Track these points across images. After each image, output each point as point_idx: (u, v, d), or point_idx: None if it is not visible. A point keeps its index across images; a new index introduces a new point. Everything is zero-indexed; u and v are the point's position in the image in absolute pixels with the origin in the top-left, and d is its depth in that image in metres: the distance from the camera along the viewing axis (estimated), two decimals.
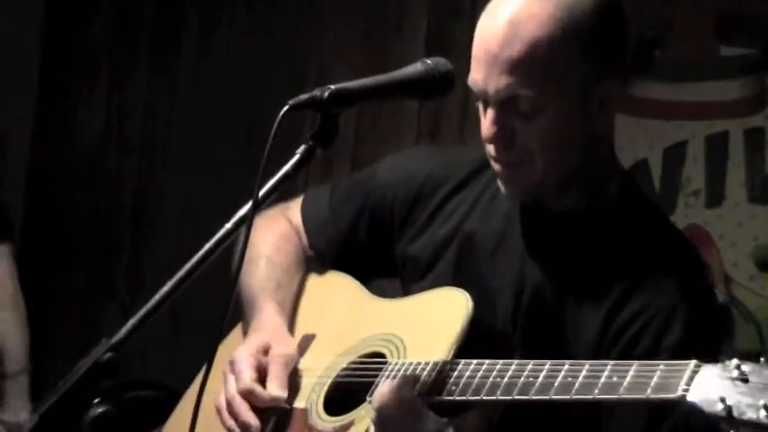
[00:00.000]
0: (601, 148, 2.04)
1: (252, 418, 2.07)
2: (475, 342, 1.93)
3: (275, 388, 2.09)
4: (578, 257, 2.01)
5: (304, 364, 2.17)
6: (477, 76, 1.97)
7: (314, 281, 2.33)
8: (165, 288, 1.74)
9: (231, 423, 2.09)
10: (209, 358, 1.80)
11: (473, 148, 2.21)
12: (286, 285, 2.29)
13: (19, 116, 4.85)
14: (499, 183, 2.06)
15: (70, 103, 5.01)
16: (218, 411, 2.11)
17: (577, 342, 1.93)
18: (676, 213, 3.68)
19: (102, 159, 4.95)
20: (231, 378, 2.11)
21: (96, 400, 1.88)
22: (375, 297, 2.21)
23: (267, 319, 2.21)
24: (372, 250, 2.28)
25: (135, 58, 4.92)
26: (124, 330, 1.68)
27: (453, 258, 2.13)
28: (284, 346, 2.17)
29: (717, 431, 1.57)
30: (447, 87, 1.96)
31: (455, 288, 2.03)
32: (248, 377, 2.09)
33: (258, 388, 2.09)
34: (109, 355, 1.64)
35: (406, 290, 2.21)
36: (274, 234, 2.35)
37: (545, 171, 1.98)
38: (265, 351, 2.14)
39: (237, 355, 2.13)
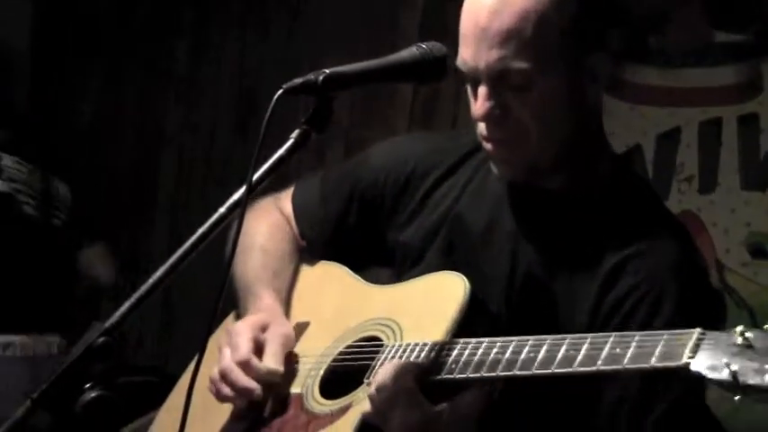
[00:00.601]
0: (591, 123, 2.05)
1: (251, 383, 2.07)
2: (471, 325, 1.92)
3: (272, 361, 2.09)
4: (570, 237, 2.01)
5: (299, 350, 2.17)
6: (467, 53, 1.97)
7: (306, 271, 2.32)
8: (158, 273, 1.73)
9: (227, 391, 2.09)
10: (200, 346, 1.80)
11: (463, 134, 2.20)
12: (281, 273, 2.28)
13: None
14: (491, 164, 2.06)
15: (64, 90, 5.00)
16: (213, 383, 2.11)
17: (572, 321, 1.93)
18: (670, 199, 3.68)
19: (97, 147, 4.94)
20: (227, 350, 2.11)
21: (90, 385, 1.88)
22: (368, 284, 2.21)
23: (265, 304, 2.21)
24: (363, 237, 2.27)
25: (131, 47, 4.91)
26: (117, 314, 1.68)
27: (444, 245, 2.13)
28: (283, 326, 2.17)
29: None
30: (442, 71, 1.94)
31: (451, 272, 2.02)
32: (246, 348, 2.09)
33: (255, 359, 2.09)
34: (102, 339, 1.63)
35: (398, 277, 2.20)
36: (267, 223, 2.35)
37: (539, 147, 1.98)
38: (263, 328, 2.14)
39: (235, 329, 2.13)
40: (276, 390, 2.11)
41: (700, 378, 1.57)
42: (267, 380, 2.08)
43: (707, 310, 1.67)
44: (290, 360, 2.15)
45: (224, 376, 2.10)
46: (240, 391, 2.08)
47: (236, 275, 2.27)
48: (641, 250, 1.95)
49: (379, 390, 1.86)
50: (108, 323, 1.66)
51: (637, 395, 1.87)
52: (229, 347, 2.11)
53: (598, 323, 1.91)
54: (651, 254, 1.95)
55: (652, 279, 1.92)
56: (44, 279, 3.60)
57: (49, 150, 3.95)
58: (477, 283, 1.99)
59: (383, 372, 1.88)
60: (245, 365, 2.08)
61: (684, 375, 1.59)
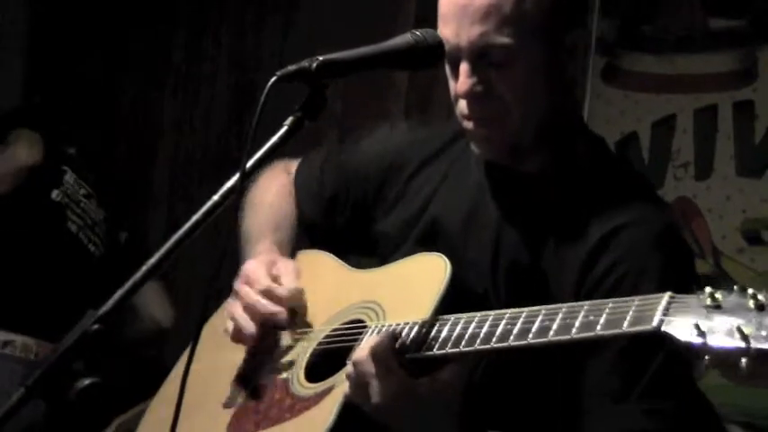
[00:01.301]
0: (568, 100, 2.07)
1: (277, 307, 2.12)
2: (453, 305, 1.93)
3: (292, 283, 2.14)
4: (553, 218, 2.02)
5: (286, 337, 2.18)
6: (448, 31, 1.98)
7: (297, 258, 2.33)
8: (152, 260, 1.73)
9: (249, 324, 2.12)
10: (195, 332, 1.80)
11: (445, 123, 2.22)
12: (283, 228, 2.32)
13: None
14: (472, 144, 2.07)
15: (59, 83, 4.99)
16: (234, 319, 2.14)
17: (559, 301, 1.94)
18: (665, 186, 3.68)
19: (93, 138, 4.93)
20: (245, 287, 2.15)
21: (84, 372, 1.88)
22: (353, 269, 2.22)
23: (266, 250, 2.25)
24: (352, 226, 2.29)
25: (127, 32, 4.91)
26: (111, 302, 1.68)
27: (424, 234, 2.14)
28: (288, 260, 2.22)
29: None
30: (436, 58, 1.95)
31: (433, 253, 2.03)
32: (264, 279, 2.14)
33: (275, 285, 2.14)
34: (96, 326, 1.63)
35: (380, 265, 2.20)
36: (276, 183, 2.39)
37: (519, 124, 2.00)
38: (272, 264, 2.19)
39: (247, 268, 2.17)
40: (261, 373, 2.13)
41: (682, 348, 1.57)
42: (292, 302, 2.13)
43: (689, 283, 1.68)
44: (276, 347, 2.16)
45: (249, 309, 2.13)
46: (268, 317, 2.12)
47: (242, 230, 2.31)
48: (622, 226, 1.96)
49: (356, 364, 1.87)
50: (101, 310, 1.66)
51: (621, 369, 1.88)
52: (246, 284, 2.15)
53: (581, 300, 1.92)
54: (632, 230, 1.96)
55: (633, 255, 1.93)
56: (66, 294, 3.57)
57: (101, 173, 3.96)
58: (461, 268, 2.00)
59: (360, 348, 1.89)
60: (268, 293, 2.13)
61: (672, 348, 1.60)
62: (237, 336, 2.15)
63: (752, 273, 3.54)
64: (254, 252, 2.25)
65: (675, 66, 3.73)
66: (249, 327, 2.13)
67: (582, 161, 2.06)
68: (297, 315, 2.22)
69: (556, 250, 1.99)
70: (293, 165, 2.41)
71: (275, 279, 2.16)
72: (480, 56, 1.97)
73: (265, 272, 2.16)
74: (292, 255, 2.31)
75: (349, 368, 1.89)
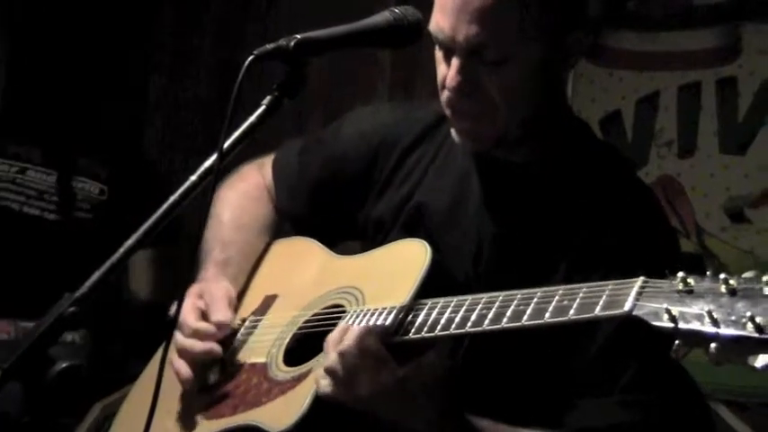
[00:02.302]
0: (557, 97, 2.06)
1: (207, 344, 2.11)
2: (434, 290, 1.92)
3: (219, 316, 2.14)
4: (539, 207, 2.01)
5: (265, 322, 2.18)
6: (445, 23, 1.95)
7: (276, 245, 2.34)
8: (130, 242, 1.72)
9: (185, 371, 2.12)
10: (173, 320, 1.79)
11: (426, 105, 2.20)
12: (232, 244, 2.30)
13: None
14: (454, 134, 2.05)
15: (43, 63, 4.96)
16: (174, 369, 2.14)
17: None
18: (649, 164, 3.67)
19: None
20: (177, 333, 2.14)
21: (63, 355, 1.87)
22: (336, 255, 2.22)
23: (209, 275, 2.25)
24: (336, 212, 2.27)
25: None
26: (88, 284, 1.66)
27: (410, 220, 2.13)
28: (217, 283, 2.20)
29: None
30: (416, 36, 1.93)
31: (414, 239, 2.03)
32: (191, 320, 2.13)
33: (203, 324, 2.13)
34: (72, 308, 1.62)
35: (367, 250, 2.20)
36: (237, 193, 2.36)
37: (506, 123, 1.98)
38: (200, 296, 2.18)
39: (181, 312, 2.14)
40: (239, 357, 2.13)
41: (667, 335, 1.57)
42: (222, 334, 2.13)
43: (673, 267, 1.67)
44: (256, 332, 2.17)
45: (183, 355, 2.13)
46: (202, 355, 2.11)
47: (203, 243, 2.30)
48: (607, 214, 1.95)
49: (343, 354, 1.84)
50: (78, 293, 1.65)
51: (604, 362, 1.88)
52: (178, 330, 2.14)
53: None
54: (618, 216, 1.95)
55: (619, 242, 1.92)
56: (40, 268, 3.58)
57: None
58: (443, 254, 1.99)
59: (347, 337, 1.86)
60: (196, 334, 2.12)
61: (654, 333, 1.59)
62: (180, 379, 2.15)
63: (735, 251, 3.54)
64: (200, 276, 2.25)
65: (659, 43, 3.72)
66: (183, 372, 2.14)
67: (569, 151, 2.04)
68: (278, 297, 2.21)
69: (540, 238, 1.98)
70: (266, 164, 2.39)
71: (203, 315, 2.15)
72: (474, 54, 1.94)
73: (191, 311, 2.15)
74: (266, 248, 2.31)
75: (332, 359, 1.86)
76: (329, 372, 1.86)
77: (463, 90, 1.96)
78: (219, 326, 2.14)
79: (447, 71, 1.97)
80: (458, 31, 1.93)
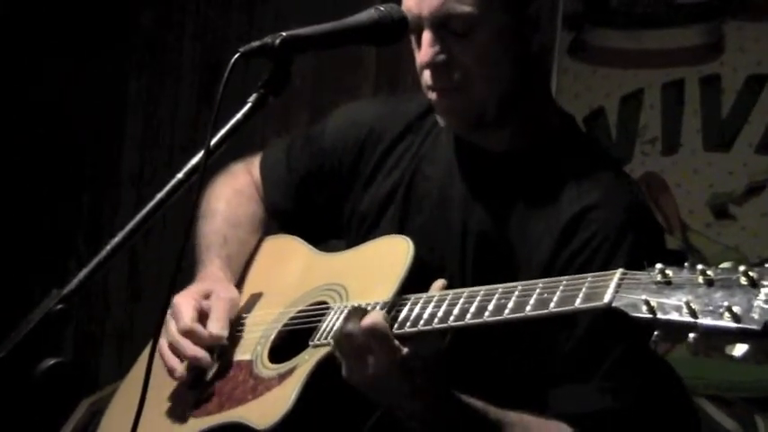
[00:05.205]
0: (535, 74, 2.07)
1: (199, 351, 2.10)
2: (417, 285, 1.93)
3: (216, 327, 2.12)
4: (522, 196, 2.03)
5: (251, 320, 2.19)
6: (411, 3, 2.00)
7: (266, 243, 2.35)
8: (117, 239, 1.72)
9: (174, 363, 2.11)
10: (161, 313, 1.79)
11: (412, 98, 2.22)
12: (232, 239, 2.30)
13: None
14: (437, 116, 2.08)
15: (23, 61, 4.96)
16: (162, 356, 2.13)
17: (525, 280, 1.94)
18: (633, 161, 3.69)
19: (60, 118, 4.90)
20: (171, 321, 2.12)
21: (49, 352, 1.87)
22: (321, 253, 2.23)
23: (210, 272, 2.24)
24: (324, 207, 2.29)
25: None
26: (75, 281, 1.66)
27: (397, 213, 2.15)
28: (226, 291, 2.19)
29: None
30: (400, 33, 1.96)
31: (397, 235, 2.05)
32: (188, 318, 2.11)
33: (198, 327, 2.11)
34: (60, 305, 1.62)
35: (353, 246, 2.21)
36: (231, 190, 2.37)
37: (483, 93, 2.01)
38: (206, 296, 2.16)
39: (178, 300, 2.14)
40: (226, 355, 2.13)
41: (646, 326, 1.58)
42: (213, 345, 2.11)
43: (658, 260, 1.69)
44: (241, 329, 2.16)
45: (171, 348, 2.12)
46: (190, 360, 2.10)
47: (195, 242, 2.29)
48: (593, 206, 1.98)
49: (347, 334, 1.83)
50: (66, 289, 1.65)
51: (585, 349, 1.90)
52: (173, 319, 2.12)
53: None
54: (602, 209, 1.98)
55: (604, 234, 1.95)
56: None
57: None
58: (430, 247, 2.00)
59: (351, 322, 1.84)
60: (189, 334, 2.11)
61: (634, 324, 1.60)
62: (167, 369, 2.14)
63: (719, 247, 3.55)
64: (201, 275, 2.24)
65: (642, 40, 3.73)
66: (173, 364, 2.12)
67: (551, 137, 2.06)
68: (263, 295, 2.22)
69: (524, 230, 2.00)
70: (254, 163, 2.40)
71: (203, 315, 2.14)
72: (442, 25, 1.99)
73: (193, 307, 2.13)
74: (258, 244, 2.31)
75: (338, 338, 1.85)
76: (338, 347, 1.86)
77: (436, 62, 2.01)
78: (212, 338, 2.12)
79: None
80: (422, 6, 2.00)
